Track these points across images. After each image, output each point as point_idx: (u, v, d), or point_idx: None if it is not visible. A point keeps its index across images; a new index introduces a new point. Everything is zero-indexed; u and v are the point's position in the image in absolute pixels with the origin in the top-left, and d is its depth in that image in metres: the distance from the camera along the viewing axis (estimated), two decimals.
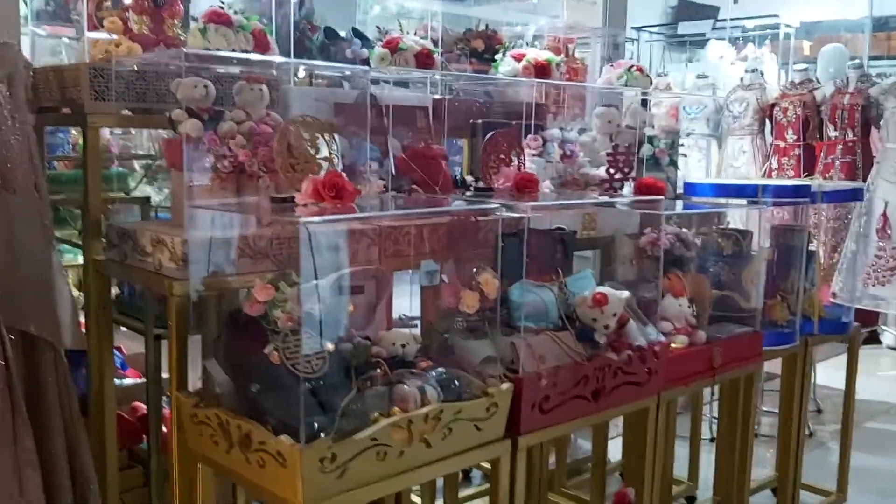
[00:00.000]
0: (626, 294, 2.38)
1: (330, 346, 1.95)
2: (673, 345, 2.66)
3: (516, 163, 2.58)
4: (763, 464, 4.02)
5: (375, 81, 3.01)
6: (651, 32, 9.09)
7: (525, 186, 2.42)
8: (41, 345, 2.16)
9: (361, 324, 2.15)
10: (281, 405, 1.81)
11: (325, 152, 2.14)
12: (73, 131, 3.13)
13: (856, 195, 3.49)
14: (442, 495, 3.26)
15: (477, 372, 2.16)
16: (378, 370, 2.01)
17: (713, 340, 2.77)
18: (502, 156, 2.54)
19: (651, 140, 3.41)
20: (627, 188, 2.81)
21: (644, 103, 3.63)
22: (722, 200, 3.19)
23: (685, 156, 3.61)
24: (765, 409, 4.90)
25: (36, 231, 2.12)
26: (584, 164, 3.14)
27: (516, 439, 2.10)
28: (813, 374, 5.17)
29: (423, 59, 2.64)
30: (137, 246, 2.14)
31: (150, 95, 2.37)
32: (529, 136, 3.02)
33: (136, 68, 2.31)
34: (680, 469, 3.78)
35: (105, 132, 3.13)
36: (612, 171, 2.88)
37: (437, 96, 3.18)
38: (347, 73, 2.82)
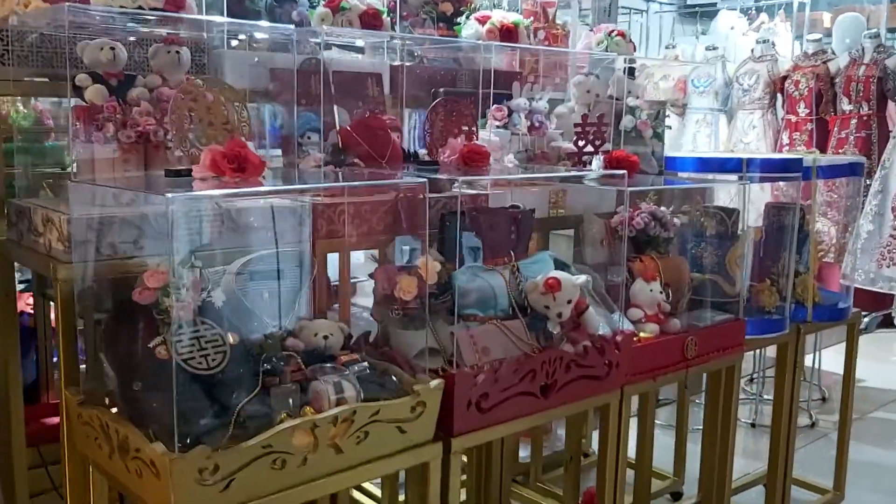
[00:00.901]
0: (582, 279, 2.15)
1: (232, 338, 1.74)
2: (641, 334, 2.43)
3: (471, 133, 2.33)
4: (759, 457, 3.77)
5: (328, 46, 2.78)
6: (661, 3, 8.74)
7: (472, 160, 2.18)
8: None
9: (280, 313, 1.94)
10: (166, 406, 1.59)
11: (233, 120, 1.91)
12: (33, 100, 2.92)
13: (854, 170, 3.20)
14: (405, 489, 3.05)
15: (412, 366, 1.94)
16: (288, 365, 1.79)
17: (689, 329, 2.54)
18: (451, 126, 2.30)
19: (633, 111, 3.15)
20: (597, 162, 2.57)
21: (629, 71, 3.37)
22: (709, 176, 2.93)
23: (670, 128, 3.34)
24: (766, 397, 4.66)
25: None
26: (555, 137, 2.90)
27: (449, 442, 1.88)
28: (817, 360, 4.91)
29: (369, 20, 2.40)
30: (31, 225, 1.94)
31: (57, 60, 2.15)
32: (494, 107, 2.77)
33: (37, 30, 2.09)
34: (666, 462, 3.55)
35: (41, 102, 2.93)
36: (580, 143, 2.63)
37: (396, 63, 2.94)
38: (289, 35, 2.58)
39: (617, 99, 3.20)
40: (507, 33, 2.74)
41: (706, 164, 2.82)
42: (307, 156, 2.35)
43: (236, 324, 1.84)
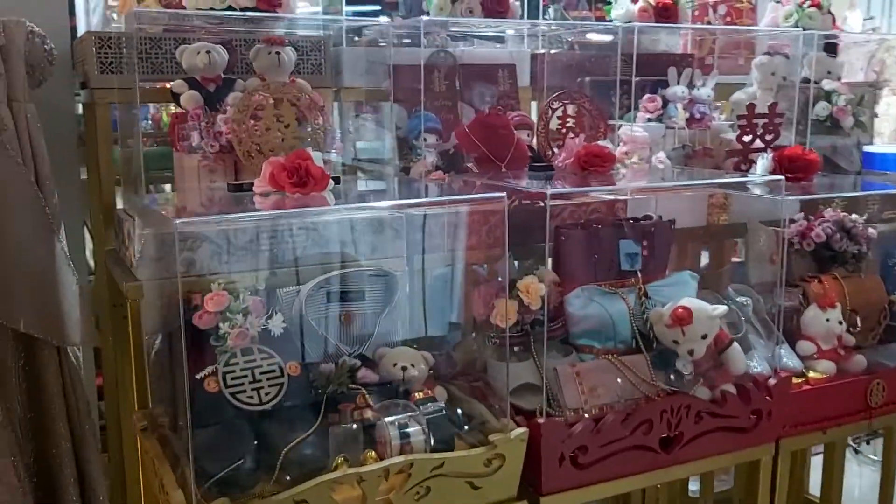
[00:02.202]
0: (720, 309, 1.76)
1: (292, 368, 1.58)
2: (811, 373, 1.99)
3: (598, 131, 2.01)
4: None
5: (460, 37, 2.55)
6: None
7: (591, 164, 1.86)
8: (40, 343, 1.99)
9: (358, 339, 1.75)
10: (206, 445, 1.47)
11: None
12: (151, 107, 2.98)
13: None
14: None
15: (504, 407, 1.68)
16: (356, 401, 1.61)
17: (877, 369, 2.05)
18: (570, 123, 1.99)
19: (829, 96, 2.63)
20: (763, 162, 2.13)
21: (828, 48, 2.83)
22: None
23: (877, 115, 2.76)
24: None
25: (28, 222, 1.94)
26: (724, 130, 2.47)
27: (537, 501, 1.60)
28: None
29: (492, 6, 2.14)
30: (122, 236, 1.90)
31: (166, 66, 2.11)
32: (646, 96, 2.41)
33: (147, 36, 2.05)
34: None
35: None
36: (745, 137, 2.20)
37: (540, 51, 2.65)
38: (414, 29, 2.38)
39: (814, 82, 2.70)
40: (664, 11, 2.36)
41: None
42: (420, 160, 2.15)
43: (305, 351, 1.69)
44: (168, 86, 1.98)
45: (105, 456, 2.33)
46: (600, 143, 1.93)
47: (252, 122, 1.70)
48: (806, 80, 2.74)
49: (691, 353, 1.74)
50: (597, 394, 1.72)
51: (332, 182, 1.60)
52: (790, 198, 1.86)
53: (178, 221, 1.34)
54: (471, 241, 1.84)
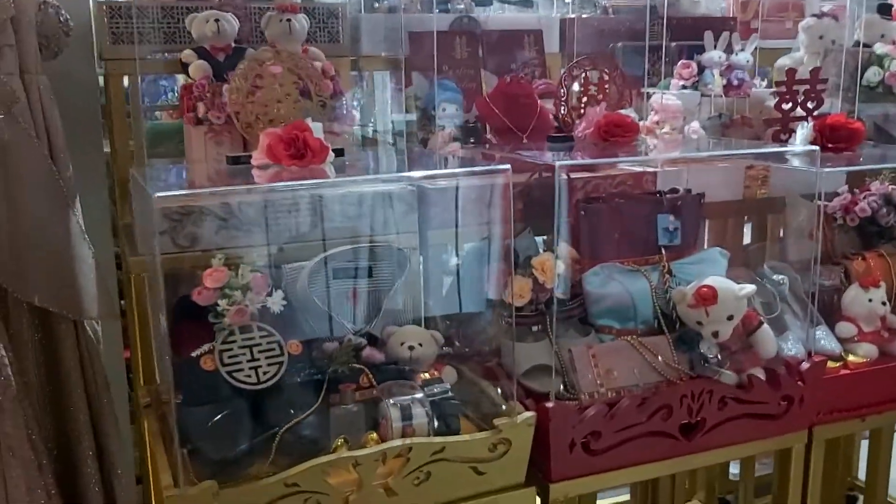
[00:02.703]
0: (748, 289, 1.65)
1: (293, 346, 1.53)
2: (850, 357, 1.86)
3: (628, 97, 1.89)
4: None
5: (486, 1, 2.46)
6: None
7: (612, 133, 1.75)
8: (56, 317, 1.98)
9: (366, 316, 1.70)
10: (201, 425, 1.43)
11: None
12: (181, 78, 2.94)
13: None
14: None
15: (512, 390, 1.61)
16: (359, 381, 1.55)
17: None
18: (592, 91, 1.88)
19: (881, 60, 2.46)
20: (802, 131, 1.99)
21: (885, 10, 2.65)
22: None
23: None
24: None
25: (42, 195, 1.92)
26: (765, 97, 2.33)
27: (547, 488, 1.53)
28: None
29: None
30: (132, 209, 1.87)
31: (179, 36, 2.06)
32: (680, 63, 2.29)
33: (160, 5, 2.00)
34: None
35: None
36: (784, 105, 2.06)
37: (571, 16, 2.53)
38: None
39: (863, 46, 2.53)
40: None
41: None
42: (439, 131, 2.07)
43: (310, 329, 1.64)
44: (181, 56, 1.93)
45: (133, 428, 2.33)
46: (623, 111, 1.82)
47: (253, 92, 1.63)
48: (858, 45, 2.57)
49: (716, 335, 1.64)
50: (613, 376, 1.63)
51: (332, 154, 1.53)
52: (826, 170, 1.72)
53: (157, 195, 1.29)
54: (483, 216, 1.76)
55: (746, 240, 2.19)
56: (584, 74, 1.87)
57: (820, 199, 1.75)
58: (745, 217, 2.20)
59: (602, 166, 1.98)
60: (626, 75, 1.91)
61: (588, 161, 1.68)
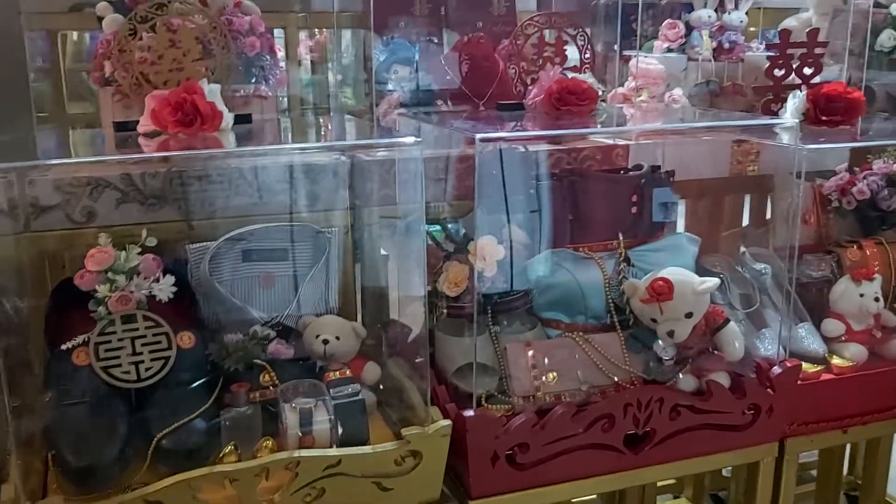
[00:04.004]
0: (709, 283, 1.44)
1: (184, 339, 1.36)
2: (835, 360, 1.64)
3: (581, 59, 1.66)
4: None
5: None
6: None
7: (566, 101, 1.53)
8: None
9: (279, 305, 1.51)
10: (64, 427, 1.27)
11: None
12: None
13: None
14: None
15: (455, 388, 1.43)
16: (260, 379, 1.38)
17: None
18: (547, 53, 1.65)
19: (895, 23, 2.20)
20: (794, 101, 1.75)
21: None
22: None
23: None
24: None
25: None
26: (761, 62, 2.08)
27: None
28: None
29: None
30: None
31: None
32: (666, 23, 2.05)
33: None
34: None
35: None
36: (776, 71, 1.82)
37: None
38: None
39: (872, 6, 2.26)
40: None
41: None
42: (388, 95, 1.87)
43: (216, 319, 1.46)
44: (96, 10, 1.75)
45: None
46: (582, 76, 1.60)
47: (141, 48, 1.44)
48: (878, 5, 2.31)
49: (671, 334, 1.44)
50: (554, 379, 1.44)
51: (229, 120, 1.34)
52: (808, 146, 1.49)
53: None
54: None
55: (731, 222, 1.96)
56: (539, 33, 1.65)
57: (800, 180, 1.51)
58: (731, 197, 1.97)
59: (568, 138, 1.76)
60: (588, 35, 1.68)
61: (514, 135, 1.46)
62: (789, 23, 2.34)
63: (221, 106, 1.35)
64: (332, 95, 2.00)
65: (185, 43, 1.44)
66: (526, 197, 1.63)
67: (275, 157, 1.54)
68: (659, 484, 2.68)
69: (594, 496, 2.23)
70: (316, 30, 2.21)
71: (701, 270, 1.73)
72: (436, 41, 2.03)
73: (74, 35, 2.27)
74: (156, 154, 1.34)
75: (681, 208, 1.90)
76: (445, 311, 1.54)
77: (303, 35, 2.17)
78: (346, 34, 2.08)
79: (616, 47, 1.87)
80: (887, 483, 2.26)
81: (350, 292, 1.65)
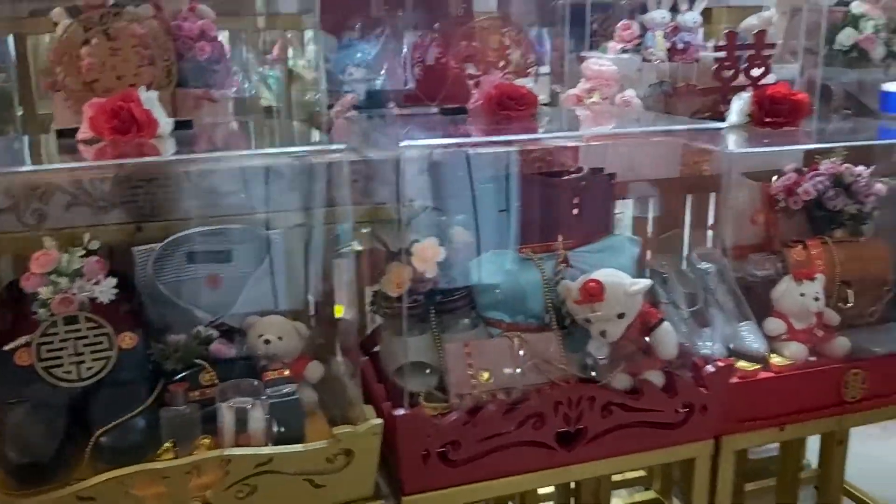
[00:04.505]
0: (641, 284, 1.47)
1: (125, 340, 1.39)
2: (774, 358, 1.67)
3: (525, 63, 1.69)
4: None
5: None
6: None
7: (505, 106, 1.56)
8: None
9: (223, 306, 1.55)
10: (10, 425, 1.31)
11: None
12: None
13: None
14: None
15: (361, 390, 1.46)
16: (199, 379, 1.42)
17: (864, 354, 1.71)
18: (491, 57, 1.68)
19: (856, 21, 2.21)
20: (739, 103, 1.77)
21: None
22: None
23: None
24: None
25: None
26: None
27: (400, 502, 1.39)
28: None
29: None
30: None
31: None
32: (620, 23, 2.07)
33: None
34: None
35: None
36: (723, 72, 1.84)
37: None
38: None
39: (843, 3, 2.28)
40: None
41: None
42: (342, 97, 1.90)
43: (163, 319, 1.50)
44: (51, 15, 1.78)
45: None
46: (523, 81, 1.63)
47: (84, 55, 1.47)
48: (840, 3, 2.32)
49: (604, 334, 1.47)
50: (490, 377, 1.47)
51: (166, 127, 1.38)
52: (737, 151, 1.52)
53: None
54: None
55: (680, 222, 1.99)
56: (480, 40, 1.68)
57: (728, 184, 1.54)
58: (680, 197, 1.99)
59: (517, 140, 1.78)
60: (530, 41, 1.70)
61: (438, 141, 1.49)
62: (750, 21, 2.36)
63: (159, 113, 1.38)
64: (286, 97, 2.03)
65: (125, 51, 1.47)
66: (470, 199, 1.67)
67: (215, 163, 1.58)
68: (628, 476, 2.73)
69: (551, 489, 2.26)
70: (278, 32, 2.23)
71: (645, 270, 1.78)
72: (392, 43, 2.06)
73: (47, 38, 2.30)
74: (64, 166, 1.37)
75: (629, 209, 1.94)
76: (388, 311, 1.58)
77: (265, 36, 2.20)
78: (306, 36, 2.11)
79: (567, 47, 1.89)
80: (844, 472, 2.30)
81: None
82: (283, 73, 2.02)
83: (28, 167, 1.40)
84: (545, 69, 2.22)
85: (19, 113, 2.14)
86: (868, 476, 2.54)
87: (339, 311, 1.64)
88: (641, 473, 2.69)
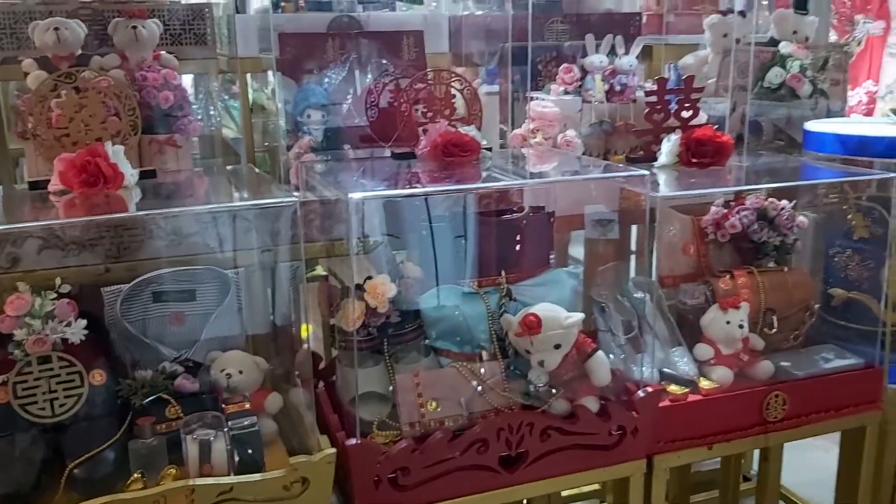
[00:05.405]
0: (575, 318, 1.60)
1: (95, 377, 1.49)
2: (702, 382, 1.81)
3: (469, 111, 1.82)
4: None
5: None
6: None
7: (451, 153, 1.69)
8: None
9: (187, 343, 1.65)
10: None
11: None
12: None
13: None
14: None
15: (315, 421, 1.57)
16: (166, 412, 1.52)
17: (785, 377, 1.85)
18: (435, 105, 1.80)
19: (784, 61, 2.37)
20: (668, 145, 1.91)
21: (801, 4, 2.55)
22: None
23: (839, 83, 2.47)
24: None
25: None
26: None
27: None
28: None
29: None
30: None
31: (27, 41, 2.00)
32: (562, 67, 2.20)
33: (10, 10, 1.93)
34: None
35: None
36: (654, 115, 1.98)
37: (466, 13, 2.46)
38: None
39: (776, 41, 2.44)
40: None
41: (845, 145, 2.01)
42: (301, 139, 2.01)
43: (131, 357, 1.60)
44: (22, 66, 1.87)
45: None
46: (466, 129, 1.75)
47: (54, 107, 1.57)
48: (773, 42, 2.48)
49: (542, 364, 1.59)
50: (438, 406, 1.59)
51: (132, 178, 1.48)
52: (659, 195, 1.66)
53: None
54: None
55: (620, 254, 2.12)
56: (427, 89, 1.80)
57: (653, 224, 1.67)
58: (621, 230, 2.12)
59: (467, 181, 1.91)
60: (475, 89, 1.83)
61: (384, 193, 1.60)
62: (687, 60, 2.51)
63: (124, 165, 1.49)
64: (247, 130, 2.14)
65: (92, 105, 1.57)
66: (421, 234, 1.79)
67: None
68: (583, 490, 2.85)
69: None
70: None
71: (586, 300, 1.91)
72: (348, 86, 2.17)
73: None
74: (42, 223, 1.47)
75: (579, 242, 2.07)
76: (343, 343, 1.69)
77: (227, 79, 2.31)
78: (265, 78, 2.22)
79: (510, 88, 2.03)
80: (780, 480, 2.44)
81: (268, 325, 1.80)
82: (243, 110, 2.12)
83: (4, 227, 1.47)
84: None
85: None
86: (810, 484, 2.68)
87: (305, 331, 1.74)
88: (596, 487, 2.82)
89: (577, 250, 2.26)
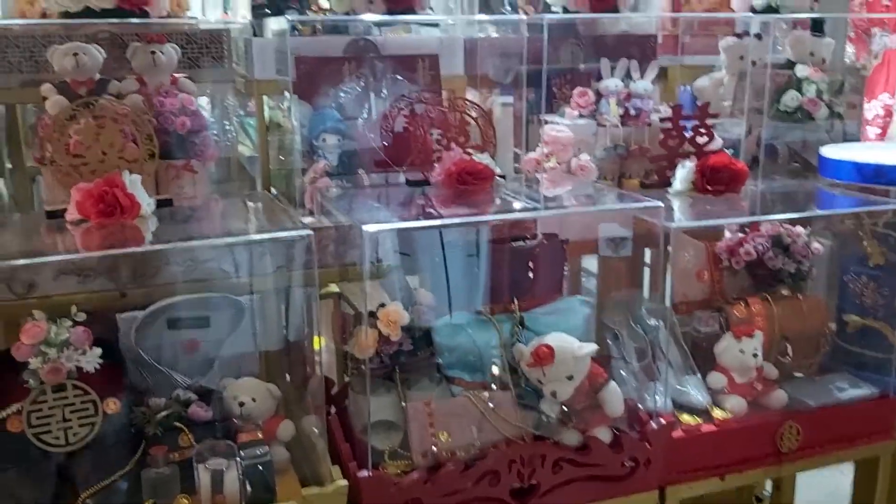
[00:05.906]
0: (587, 349, 1.60)
1: (110, 406, 1.50)
2: (716, 412, 1.80)
3: (484, 138, 1.82)
4: None
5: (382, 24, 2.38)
6: None
7: (465, 181, 1.69)
8: None
9: (201, 370, 1.66)
10: (3, 489, 1.41)
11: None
12: None
13: None
14: None
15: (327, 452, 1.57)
16: (179, 441, 1.53)
17: (799, 407, 1.84)
18: (450, 132, 1.80)
19: (800, 84, 2.36)
20: (682, 171, 1.91)
21: (817, 26, 2.54)
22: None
23: (855, 107, 2.46)
24: None
25: None
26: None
27: None
28: None
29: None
30: None
31: (46, 64, 2.02)
32: (576, 90, 2.20)
33: (31, 34, 1.96)
34: None
35: None
36: (669, 141, 1.98)
37: (482, 35, 2.46)
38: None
39: (792, 64, 2.43)
40: None
41: (862, 172, 2.00)
42: (315, 163, 2.02)
43: (146, 384, 1.61)
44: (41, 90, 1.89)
45: None
46: (480, 156, 1.76)
47: (72, 134, 1.59)
48: (789, 64, 2.47)
49: (555, 394, 1.59)
50: (450, 436, 1.59)
51: (149, 207, 1.49)
52: (673, 225, 1.65)
53: None
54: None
55: (635, 280, 2.11)
56: (442, 115, 1.80)
57: (666, 255, 1.67)
58: (636, 256, 2.12)
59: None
60: (489, 118, 1.84)
61: (398, 225, 1.60)
62: (702, 82, 2.50)
63: (141, 195, 1.50)
64: (258, 160, 2.15)
65: (109, 135, 1.59)
66: (434, 263, 1.79)
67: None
68: None
69: None
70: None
71: (599, 327, 1.90)
72: (364, 111, 2.18)
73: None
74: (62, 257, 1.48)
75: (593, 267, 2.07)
76: (356, 371, 1.70)
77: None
78: (283, 103, 2.23)
79: (525, 111, 2.03)
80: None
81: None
82: (259, 131, 2.13)
83: (23, 261, 1.48)
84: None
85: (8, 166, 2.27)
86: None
87: (317, 343, 1.73)
88: None
89: (589, 261, 2.26)
